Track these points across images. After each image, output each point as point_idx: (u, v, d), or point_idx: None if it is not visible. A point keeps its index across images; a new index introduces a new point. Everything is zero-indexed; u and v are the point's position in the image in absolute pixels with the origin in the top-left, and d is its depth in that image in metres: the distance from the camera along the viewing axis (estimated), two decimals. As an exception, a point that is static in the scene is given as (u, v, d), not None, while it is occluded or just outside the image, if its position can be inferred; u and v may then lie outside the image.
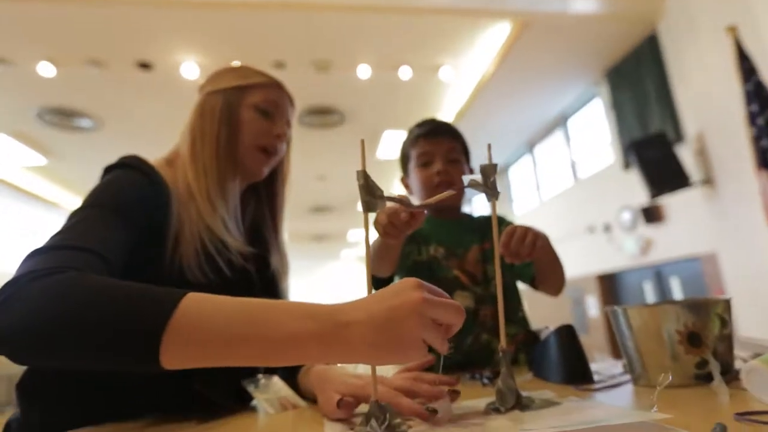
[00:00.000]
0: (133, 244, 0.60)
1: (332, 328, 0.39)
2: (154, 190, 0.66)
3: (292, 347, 0.40)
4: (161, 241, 0.64)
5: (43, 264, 0.47)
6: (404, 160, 1.13)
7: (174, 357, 0.40)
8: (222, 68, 0.83)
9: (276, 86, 0.80)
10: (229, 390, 0.64)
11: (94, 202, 0.60)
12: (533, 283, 1.03)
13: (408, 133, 1.12)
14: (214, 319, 0.41)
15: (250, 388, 0.64)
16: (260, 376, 0.68)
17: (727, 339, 0.57)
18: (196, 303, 0.41)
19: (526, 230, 0.77)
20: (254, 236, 0.81)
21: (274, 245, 0.83)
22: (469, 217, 1.15)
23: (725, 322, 0.57)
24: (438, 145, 1.05)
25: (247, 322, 0.41)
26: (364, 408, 0.48)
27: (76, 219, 0.57)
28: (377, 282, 0.97)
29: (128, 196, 0.62)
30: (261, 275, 0.78)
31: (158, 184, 0.67)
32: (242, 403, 0.67)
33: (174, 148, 0.77)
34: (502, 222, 1.08)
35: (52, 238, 0.53)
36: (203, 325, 0.40)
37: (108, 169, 0.67)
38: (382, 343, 0.39)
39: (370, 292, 0.48)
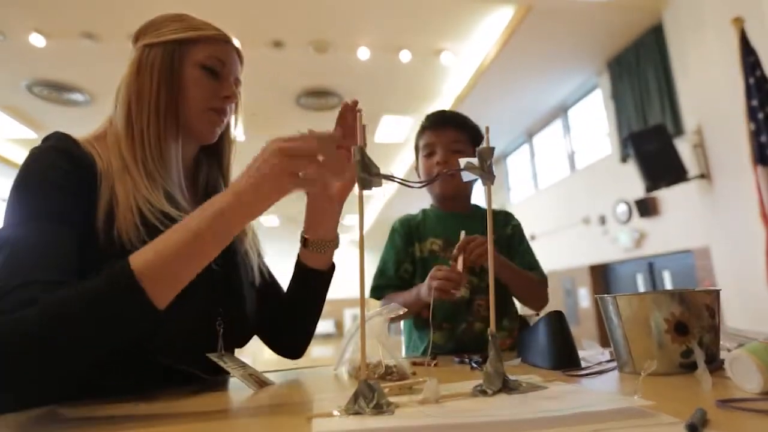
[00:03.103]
0: (79, 238, 0.57)
1: (228, 195, 0.53)
2: (80, 174, 0.61)
3: (219, 221, 0.52)
4: (94, 220, 0.60)
5: None
6: (416, 150, 1.16)
7: (159, 294, 0.50)
8: (160, 17, 0.73)
9: (223, 40, 0.73)
10: (194, 361, 0.63)
11: (30, 212, 0.57)
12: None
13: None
14: (160, 251, 0.51)
15: (220, 363, 0.64)
16: (222, 352, 0.67)
17: (713, 329, 0.57)
18: (138, 255, 0.51)
19: (484, 241, 0.90)
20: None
21: None
22: (477, 209, 1.17)
23: (713, 313, 0.57)
24: (441, 136, 1.07)
25: (179, 235, 0.51)
26: None
27: (16, 241, 0.54)
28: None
29: (61, 195, 0.58)
30: None
31: (84, 167, 0.61)
32: (212, 374, 0.65)
33: (106, 119, 0.70)
34: (508, 218, 1.14)
35: None
36: (158, 260, 0.50)
37: (32, 152, 0.62)
38: (250, 178, 0.52)
39: (362, 277, 0.48)
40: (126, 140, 0.66)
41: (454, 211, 1.11)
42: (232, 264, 0.73)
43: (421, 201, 1.23)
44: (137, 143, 0.66)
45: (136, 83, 0.68)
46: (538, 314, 0.84)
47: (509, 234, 1.11)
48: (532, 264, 1.08)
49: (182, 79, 0.69)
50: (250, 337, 0.80)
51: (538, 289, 1.05)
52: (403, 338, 1.14)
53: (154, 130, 0.67)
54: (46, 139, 0.63)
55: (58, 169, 0.59)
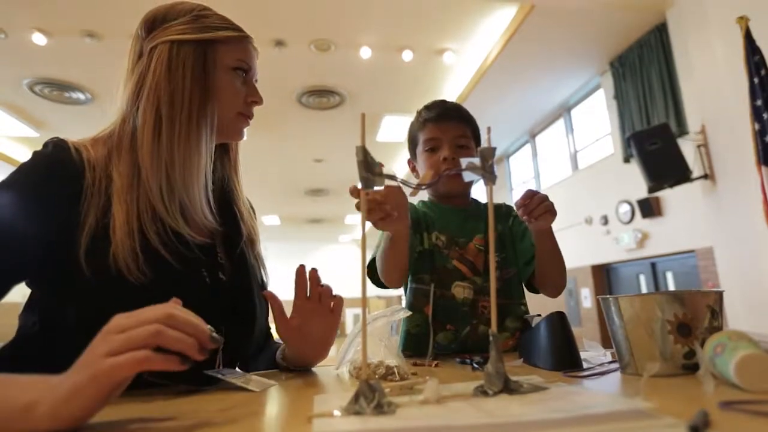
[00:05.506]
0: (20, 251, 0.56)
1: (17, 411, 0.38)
2: (57, 190, 0.58)
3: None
4: (76, 241, 0.57)
5: None
6: (412, 142, 1.10)
7: None
8: (175, 5, 0.70)
9: (248, 39, 0.72)
10: (189, 376, 0.58)
11: None
12: (530, 282, 1.03)
13: (416, 114, 1.09)
14: None
15: (218, 376, 0.62)
16: (221, 368, 0.65)
17: (716, 331, 0.57)
18: None
19: (545, 198, 0.86)
20: (223, 203, 0.76)
21: (241, 207, 0.78)
22: (476, 204, 1.14)
23: (715, 314, 0.57)
24: (446, 131, 1.02)
25: None
26: None
27: None
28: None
29: (17, 207, 0.56)
30: (230, 251, 0.73)
31: (66, 181, 0.59)
32: (208, 384, 0.62)
33: (118, 119, 0.67)
34: (509, 209, 1.08)
35: None
36: None
37: (34, 155, 0.61)
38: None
39: (364, 277, 0.48)
40: (151, 143, 0.62)
41: (455, 206, 1.08)
42: (243, 272, 0.74)
43: (420, 194, 1.20)
44: (165, 146, 0.63)
45: (167, 82, 0.64)
46: (539, 315, 0.83)
47: (511, 224, 1.08)
48: None
49: (215, 84, 0.68)
50: (254, 350, 0.79)
51: (565, 268, 0.99)
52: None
53: (185, 131, 0.64)
54: (44, 146, 0.62)
55: (27, 180, 0.58)
